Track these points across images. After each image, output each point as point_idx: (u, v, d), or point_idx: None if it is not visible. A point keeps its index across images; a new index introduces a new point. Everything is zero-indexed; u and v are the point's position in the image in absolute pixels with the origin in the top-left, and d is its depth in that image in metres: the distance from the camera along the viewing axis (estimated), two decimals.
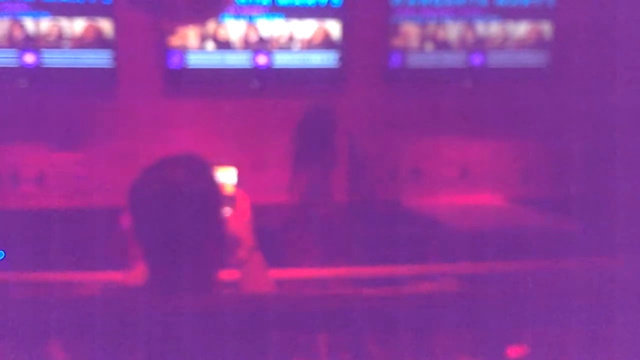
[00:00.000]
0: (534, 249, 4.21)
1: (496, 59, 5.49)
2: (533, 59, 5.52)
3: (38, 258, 4.77)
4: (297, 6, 5.25)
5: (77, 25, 5.07)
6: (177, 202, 1.49)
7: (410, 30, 5.42)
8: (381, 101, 5.42)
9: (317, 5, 5.27)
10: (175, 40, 5.18)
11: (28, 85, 5.10)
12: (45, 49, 5.05)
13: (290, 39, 5.28)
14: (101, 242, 4.88)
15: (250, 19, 5.23)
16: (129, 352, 1.25)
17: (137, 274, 1.72)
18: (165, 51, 5.20)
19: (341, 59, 5.32)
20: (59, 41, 5.06)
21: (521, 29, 5.49)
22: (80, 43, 5.08)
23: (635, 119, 5.28)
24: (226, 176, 1.73)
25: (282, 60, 5.28)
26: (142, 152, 5.00)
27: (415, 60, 5.44)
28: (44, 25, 5.04)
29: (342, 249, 4.16)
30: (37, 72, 5.07)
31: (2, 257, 4.79)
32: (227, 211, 1.72)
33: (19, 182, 5.20)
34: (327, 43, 5.31)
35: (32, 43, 5.04)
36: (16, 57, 5.04)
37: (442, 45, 5.46)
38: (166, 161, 1.57)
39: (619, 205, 5.34)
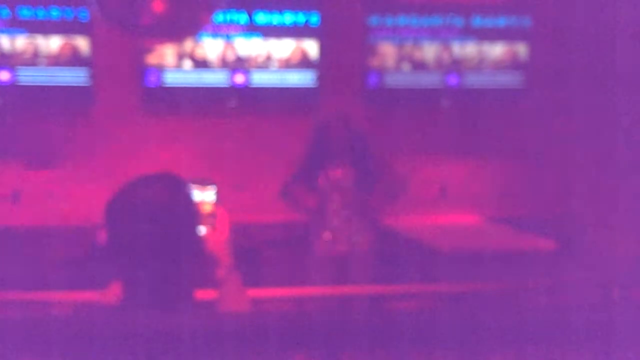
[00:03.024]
0: (512, 269, 4.23)
1: (472, 80, 5.54)
2: (509, 79, 5.58)
3: (13, 277, 4.70)
4: (275, 25, 5.27)
5: (53, 43, 5.04)
6: (153, 221, 1.48)
7: (388, 51, 5.45)
8: (358, 120, 5.43)
9: (295, 24, 5.29)
10: (152, 59, 5.17)
11: (3, 102, 5.06)
12: (20, 67, 5.02)
13: (268, 58, 5.29)
14: (77, 260, 4.83)
15: (228, 37, 5.24)
16: None
17: (112, 293, 1.70)
18: (142, 69, 5.18)
19: (319, 78, 5.33)
20: (34, 59, 5.03)
21: (497, 50, 5.55)
22: (57, 61, 5.06)
23: (610, 135, 5.35)
24: (205, 194, 1.73)
25: (259, 79, 5.29)
26: (118, 170, 4.97)
27: (392, 80, 5.48)
28: (20, 42, 5.01)
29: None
30: (13, 90, 5.03)
31: None
32: (205, 229, 1.71)
33: None
34: (304, 62, 5.32)
35: (7, 60, 5.01)
36: None
37: (419, 66, 5.50)
38: (143, 179, 1.56)
39: (595, 224, 5.40)
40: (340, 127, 3.83)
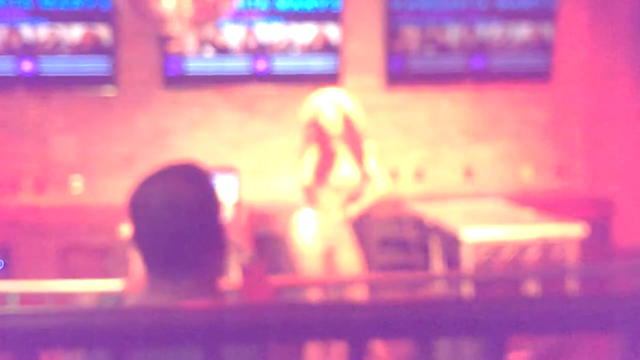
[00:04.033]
0: (537, 255, 4.18)
1: (497, 62, 5.46)
2: (534, 61, 5.49)
3: (38, 267, 4.75)
4: (296, 11, 5.23)
5: (75, 32, 5.05)
6: (176, 211, 1.47)
7: (411, 34, 5.39)
8: (381, 105, 5.39)
9: (317, 9, 5.24)
10: (173, 46, 5.16)
11: (26, 92, 5.08)
12: (43, 56, 5.03)
13: (290, 43, 5.25)
14: (101, 250, 4.86)
15: (249, 23, 5.21)
16: None
17: (137, 283, 1.69)
18: (164, 57, 5.17)
19: (340, 63, 5.29)
20: (57, 48, 5.04)
21: (522, 31, 5.46)
22: (78, 50, 5.06)
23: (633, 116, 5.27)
24: (228, 182, 1.71)
25: (281, 65, 5.26)
26: (141, 159, 4.98)
27: (416, 64, 5.42)
28: (42, 32, 5.02)
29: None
30: (35, 80, 5.05)
31: (2, 266, 4.77)
32: (228, 218, 1.69)
33: (19, 191, 5.16)
34: (326, 48, 5.28)
35: (29, 50, 5.02)
36: (14, 65, 5.02)
37: (443, 49, 5.43)
38: (165, 168, 1.54)
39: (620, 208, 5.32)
40: (332, 115, 3.73)
